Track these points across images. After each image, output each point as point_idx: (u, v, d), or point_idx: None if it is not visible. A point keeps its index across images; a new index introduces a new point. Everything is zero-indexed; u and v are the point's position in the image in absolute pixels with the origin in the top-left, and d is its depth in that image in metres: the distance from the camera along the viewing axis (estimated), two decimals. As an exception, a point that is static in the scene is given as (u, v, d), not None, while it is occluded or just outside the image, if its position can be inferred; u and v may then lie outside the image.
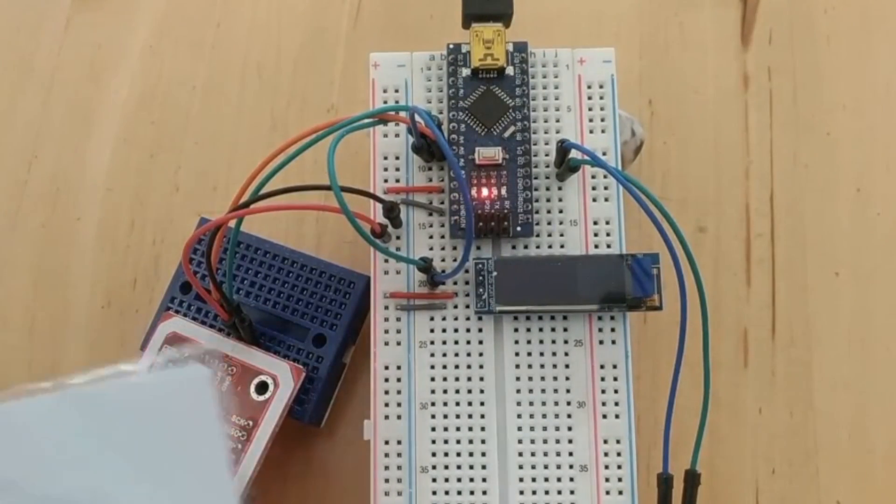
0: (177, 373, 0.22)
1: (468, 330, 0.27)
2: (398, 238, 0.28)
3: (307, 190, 0.27)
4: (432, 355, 0.27)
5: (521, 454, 0.26)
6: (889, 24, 0.37)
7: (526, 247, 0.28)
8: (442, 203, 0.28)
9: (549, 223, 0.28)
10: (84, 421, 0.20)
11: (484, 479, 0.26)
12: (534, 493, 0.26)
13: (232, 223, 0.28)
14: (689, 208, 0.35)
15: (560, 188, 0.28)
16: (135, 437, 0.20)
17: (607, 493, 0.26)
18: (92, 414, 0.20)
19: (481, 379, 0.27)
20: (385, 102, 0.29)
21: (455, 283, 0.27)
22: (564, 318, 0.27)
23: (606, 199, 0.28)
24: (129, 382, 0.21)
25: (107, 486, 0.19)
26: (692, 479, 0.25)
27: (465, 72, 0.28)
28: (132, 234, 0.36)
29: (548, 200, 0.28)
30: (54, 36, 0.39)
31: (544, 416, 0.27)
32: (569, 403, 0.27)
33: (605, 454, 0.26)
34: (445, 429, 0.27)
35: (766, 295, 0.33)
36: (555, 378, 0.27)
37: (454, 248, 0.28)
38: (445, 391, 0.27)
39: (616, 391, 0.27)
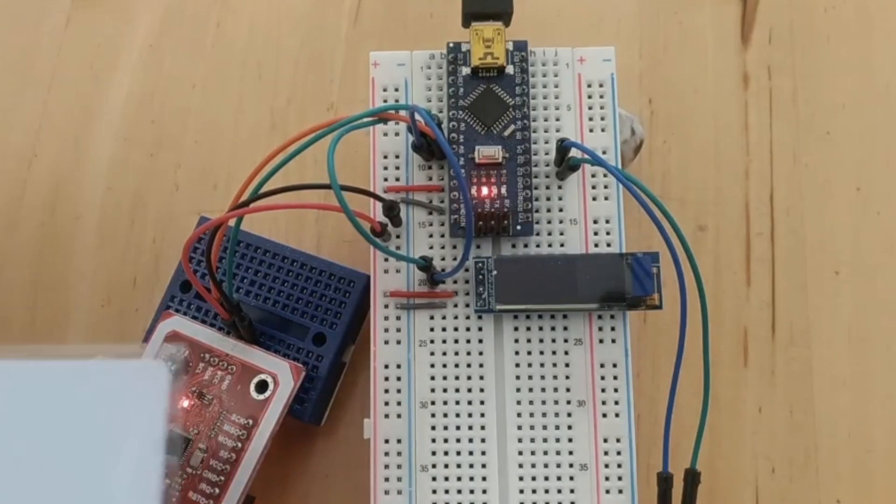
0: (128, 365, 0.21)
1: (468, 329, 0.27)
2: (398, 237, 0.28)
3: (307, 189, 0.27)
4: (432, 354, 0.27)
5: (520, 453, 0.26)
6: (889, 23, 0.37)
7: (526, 246, 0.28)
8: (442, 202, 0.28)
9: (548, 222, 0.28)
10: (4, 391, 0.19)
11: (484, 478, 0.26)
12: (534, 491, 0.26)
13: (232, 222, 0.28)
14: (689, 207, 0.35)
15: (560, 187, 0.28)
16: (55, 418, 0.19)
17: (607, 491, 0.26)
18: (15, 387, 0.19)
19: (481, 378, 0.27)
20: (385, 101, 0.29)
21: (455, 282, 0.27)
22: (564, 316, 0.27)
23: (606, 198, 0.28)
24: (71, 364, 0.20)
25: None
26: (692, 477, 0.25)
27: (465, 71, 0.28)
28: (132, 233, 0.36)
29: (548, 199, 0.28)
30: (54, 35, 0.39)
31: (544, 414, 0.27)
32: (569, 402, 0.27)
33: (605, 453, 0.26)
34: (445, 427, 0.27)
35: (766, 294, 0.33)
36: (555, 377, 0.27)
37: (454, 247, 0.28)
38: (445, 390, 0.27)
39: (616, 390, 0.27)
